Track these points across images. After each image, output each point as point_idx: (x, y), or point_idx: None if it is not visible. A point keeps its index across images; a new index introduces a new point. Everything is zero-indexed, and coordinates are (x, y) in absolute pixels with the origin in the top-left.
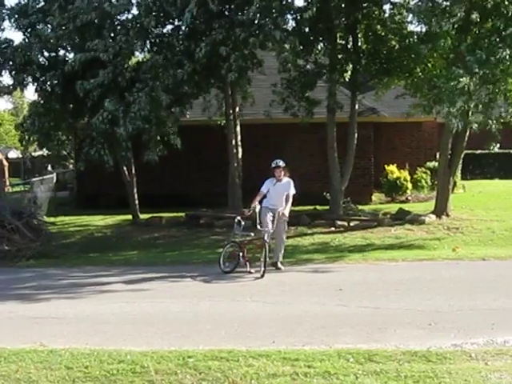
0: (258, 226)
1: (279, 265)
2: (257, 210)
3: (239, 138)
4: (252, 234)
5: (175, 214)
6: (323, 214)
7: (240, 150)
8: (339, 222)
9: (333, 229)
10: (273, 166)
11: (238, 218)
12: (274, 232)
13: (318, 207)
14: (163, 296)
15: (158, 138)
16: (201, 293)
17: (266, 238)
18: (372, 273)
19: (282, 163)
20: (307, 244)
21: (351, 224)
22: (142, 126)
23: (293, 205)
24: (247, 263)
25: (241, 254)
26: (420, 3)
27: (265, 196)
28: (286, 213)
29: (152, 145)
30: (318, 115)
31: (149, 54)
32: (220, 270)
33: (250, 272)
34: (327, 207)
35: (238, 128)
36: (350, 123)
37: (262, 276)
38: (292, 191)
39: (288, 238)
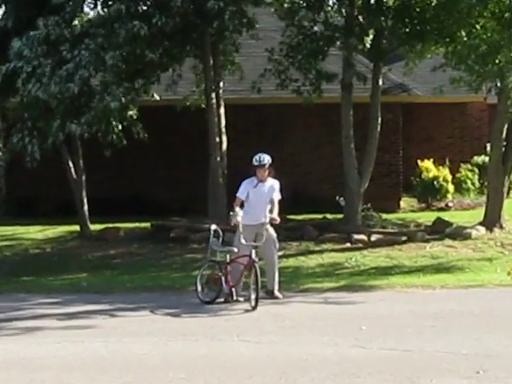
0: (242, 240)
1: (276, 293)
2: (239, 218)
3: (223, 123)
4: (235, 250)
5: (137, 225)
6: (335, 226)
7: (224, 139)
8: (356, 236)
9: (348, 245)
10: (255, 163)
11: (214, 226)
12: (262, 250)
13: (328, 216)
14: (121, 333)
15: (114, 123)
16: (172, 330)
17: (253, 255)
18: (400, 304)
19: (268, 160)
20: (314, 265)
21: (372, 239)
22: (77, 94)
23: (293, 212)
24: (233, 290)
25: (223, 277)
26: None
27: (242, 204)
28: (277, 216)
29: (93, 118)
30: (328, 93)
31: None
32: (198, 299)
33: (237, 301)
34: (340, 216)
35: (222, 110)
36: (371, 104)
37: (254, 308)
38: (277, 196)
39: (288, 256)
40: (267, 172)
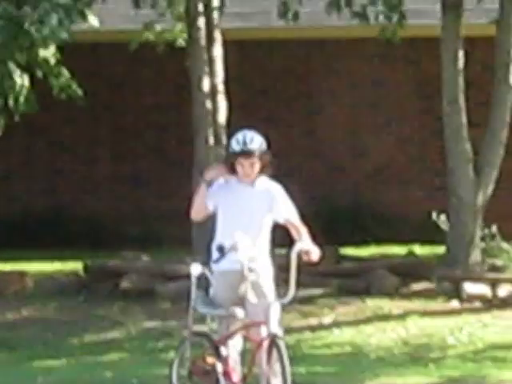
0: (250, 298)
1: None
2: (241, 244)
3: (221, 74)
4: (239, 314)
5: (58, 266)
6: (431, 268)
7: (223, 103)
8: (471, 288)
9: (455, 304)
10: (235, 148)
11: (197, 268)
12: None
13: (416, 249)
14: None
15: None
16: None
17: (272, 325)
18: None
19: (260, 142)
20: (390, 342)
21: (501, 293)
22: None
23: (351, 241)
24: None
25: (220, 365)
26: None
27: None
28: (313, 247)
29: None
30: (415, 19)
31: None
32: None
33: None
34: (441, 249)
35: (219, 50)
36: (496, 39)
37: None
38: (292, 211)
39: (340, 325)
40: (258, 166)
